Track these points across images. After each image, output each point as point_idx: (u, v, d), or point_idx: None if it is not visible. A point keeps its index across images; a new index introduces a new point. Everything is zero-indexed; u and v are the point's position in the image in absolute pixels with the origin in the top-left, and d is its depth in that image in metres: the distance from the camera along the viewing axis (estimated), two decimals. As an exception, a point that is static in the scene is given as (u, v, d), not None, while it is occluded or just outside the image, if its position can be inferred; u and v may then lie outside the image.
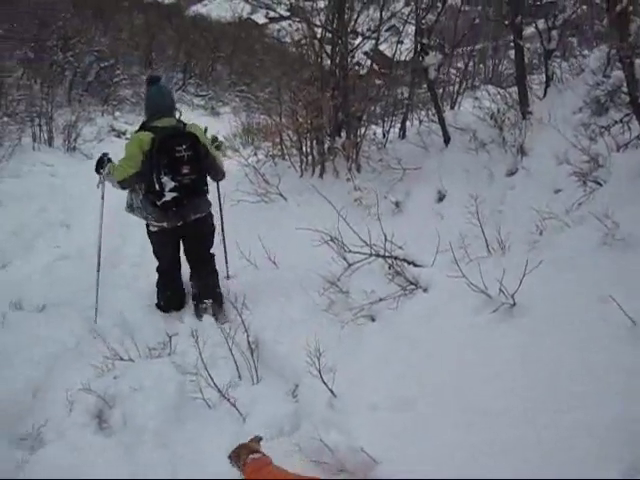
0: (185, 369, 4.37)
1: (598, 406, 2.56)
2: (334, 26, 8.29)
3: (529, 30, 7.44)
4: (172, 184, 5.21)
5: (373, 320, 4.27)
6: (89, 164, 13.42)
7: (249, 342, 4.36)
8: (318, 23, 8.84)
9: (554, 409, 2.69)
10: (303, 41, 9.30)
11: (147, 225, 5.61)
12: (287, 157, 9.22)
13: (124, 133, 17.35)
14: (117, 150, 6.18)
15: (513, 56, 14.54)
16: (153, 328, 5.39)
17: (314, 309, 4.76)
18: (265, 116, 11.49)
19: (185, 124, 5.46)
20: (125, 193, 5.69)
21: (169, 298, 5.91)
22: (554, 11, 7.00)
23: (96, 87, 21.06)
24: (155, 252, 5.83)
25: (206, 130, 5.89)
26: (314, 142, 8.56)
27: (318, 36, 8.38)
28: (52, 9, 20.88)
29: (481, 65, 13.75)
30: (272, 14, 29.15)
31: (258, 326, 4.63)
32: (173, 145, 5.17)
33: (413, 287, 4.22)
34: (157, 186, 5.20)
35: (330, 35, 8.45)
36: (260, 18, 44.00)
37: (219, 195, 6.55)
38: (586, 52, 8.03)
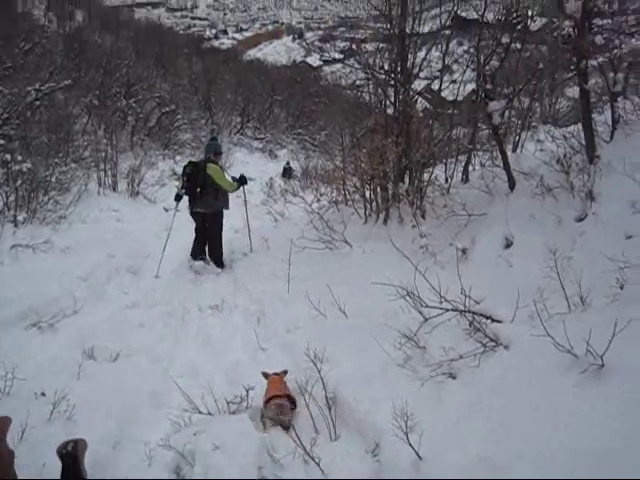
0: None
1: None
2: (397, 74, 8.37)
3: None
4: (197, 192, 9.63)
5: (453, 378, 4.20)
6: (152, 209, 13.89)
7: (327, 398, 4.35)
8: (377, 68, 8.95)
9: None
10: (364, 87, 9.43)
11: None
12: (350, 203, 9.27)
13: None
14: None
15: (569, 93, 14.53)
16: (227, 377, 5.46)
17: (390, 364, 4.70)
18: (323, 159, 11.66)
19: (207, 162, 9.84)
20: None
21: (193, 252, 9.92)
22: (613, 50, 6.92)
23: (157, 132, 21.62)
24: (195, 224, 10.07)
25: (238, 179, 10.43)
26: (378, 188, 8.60)
27: (380, 83, 8.47)
28: (117, 58, 21.70)
29: (537, 104, 13.59)
30: (327, 57, 29.61)
31: (334, 380, 4.59)
32: (193, 171, 9.72)
33: (493, 344, 4.17)
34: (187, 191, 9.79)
35: (392, 81, 8.54)
36: (315, 61, 44.82)
37: (245, 202, 11.03)
38: (649, 90, 7.84)
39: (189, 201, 9.90)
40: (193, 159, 11.11)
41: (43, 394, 4.91)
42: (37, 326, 6.65)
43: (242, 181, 10.35)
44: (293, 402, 4.68)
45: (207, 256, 10.10)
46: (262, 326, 6.80)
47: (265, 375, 5.07)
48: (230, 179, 10.30)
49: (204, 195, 9.65)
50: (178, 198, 10.08)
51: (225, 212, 10.32)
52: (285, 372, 5.10)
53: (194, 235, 10.08)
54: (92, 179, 14.18)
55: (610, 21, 6.80)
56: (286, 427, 4.43)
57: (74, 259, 8.92)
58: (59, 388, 4.77)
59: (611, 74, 6.78)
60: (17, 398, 4.82)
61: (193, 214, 9.97)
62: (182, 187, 9.94)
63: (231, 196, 10.40)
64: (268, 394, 4.68)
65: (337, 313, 6.05)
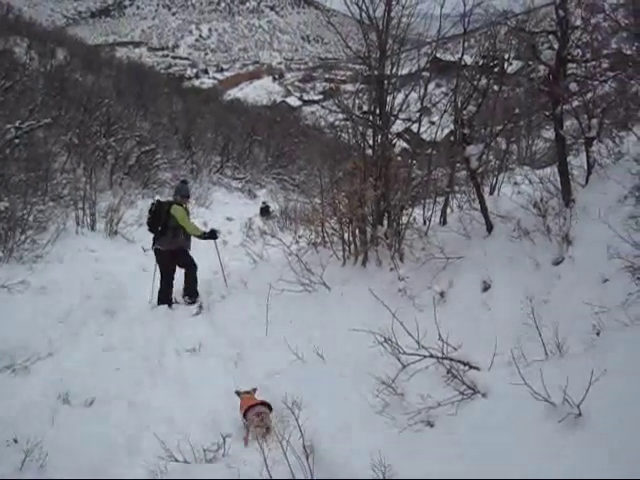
0: (240, 474, 4.31)
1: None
2: (376, 116, 8.47)
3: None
4: (158, 229, 10.13)
5: (431, 425, 4.19)
6: (131, 249, 13.79)
7: (304, 446, 4.28)
8: (356, 109, 9.05)
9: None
10: (344, 129, 9.53)
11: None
12: (329, 245, 9.28)
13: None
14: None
15: (545, 134, 14.74)
16: (204, 424, 5.39)
17: (368, 411, 4.67)
18: (303, 198, 11.71)
19: (173, 203, 10.28)
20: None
21: (160, 297, 9.98)
22: (587, 95, 7.06)
23: (137, 171, 21.56)
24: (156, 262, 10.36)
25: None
26: (356, 231, 8.62)
27: (360, 128, 8.55)
28: (97, 96, 21.72)
29: (514, 145, 13.72)
30: (306, 97, 30.13)
31: (311, 428, 4.53)
32: (158, 210, 10.20)
33: (471, 392, 4.16)
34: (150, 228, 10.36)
35: (371, 123, 8.63)
36: (295, 101, 45.50)
37: (216, 246, 10.99)
38: (622, 134, 7.94)
39: (153, 238, 10.34)
40: (162, 198, 11.83)
41: (15, 441, 4.82)
42: (11, 369, 6.56)
43: (211, 235, 10.66)
44: (269, 406, 5.29)
45: (177, 298, 10.36)
46: (240, 370, 6.70)
47: (238, 393, 5.67)
48: (196, 223, 10.82)
49: (164, 234, 10.12)
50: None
51: (201, 253, 10.78)
52: (255, 390, 5.74)
53: (160, 280, 10.27)
54: (70, 218, 14.03)
55: (584, 68, 6.93)
56: (268, 429, 5.02)
57: (50, 300, 8.81)
58: (32, 435, 4.71)
59: (586, 119, 6.91)
60: (-13, 445, 4.74)
61: (154, 251, 10.34)
62: (147, 223, 10.58)
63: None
64: (244, 406, 5.32)
65: (315, 358, 6.03)
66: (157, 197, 19.37)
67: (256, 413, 5.13)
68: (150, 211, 10.47)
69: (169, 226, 10.08)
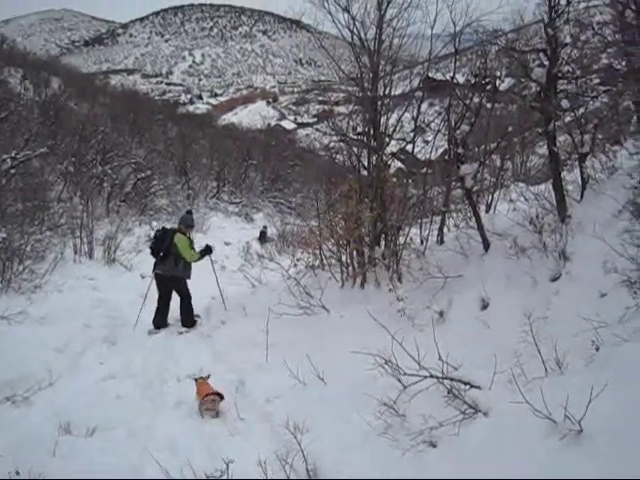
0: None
1: None
2: (370, 138, 8.51)
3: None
4: (160, 255, 10.40)
5: (434, 446, 4.18)
6: (129, 276, 13.78)
7: (307, 470, 4.28)
8: (350, 131, 9.11)
9: None
10: (338, 151, 9.59)
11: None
12: (327, 267, 9.29)
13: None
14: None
15: (540, 150, 14.79)
16: (207, 450, 5.36)
17: (370, 433, 4.67)
18: (300, 221, 11.77)
19: (176, 231, 10.62)
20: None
21: (157, 321, 10.30)
22: (579, 110, 7.11)
23: (133, 198, 21.55)
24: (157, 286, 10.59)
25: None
26: (354, 252, 8.64)
27: (355, 149, 8.60)
28: (92, 124, 21.78)
29: (508, 162, 13.77)
30: (300, 120, 30.36)
31: (314, 452, 4.52)
32: (162, 236, 10.55)
33: (473, 411, 4.16)
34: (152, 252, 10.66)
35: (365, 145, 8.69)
36: (289, 124, 45.75)
37: (213, 269, 11.38)
38: (615, 148, 7.96)
39: (154, 263, 10.62)
40: (168, 225, 12.48)
41: (17, 473, 4.78)
42: (11, 400, 6.52)
43: (206, 251, 11.02)
44: (220, 395, 6.32)
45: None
46: (241, 395, 6.68)
47: (195, 380, 6.77)
48: (196, 249, 11.01)
49: (166, 260, 10.45)
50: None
51: (199, 278, 10.87)
52: (208, 376, 6.83)
53: (157, 301, 10.58)
54: (68, 247, 14.05)
55: (575, 84, 6.98)
56: (216, 412, 6.24)
57: (50, 330, 8.78)
58: (34, 466, 4.67)
59: (578, 135, 6.95)
60: (-11, 478, 4.70)
61: (155, 275, 10.64)
62: (149, 247, 10.97)
63: (200, 263, 11.01)
64: (202, 392, 6.38)
65: (316, 381, 6.03)
66: (155, 224, 19.54)
67: (211, 400, 6.22)
68: (155, 237, 10.93)
69: (172, 253, 10.41)
